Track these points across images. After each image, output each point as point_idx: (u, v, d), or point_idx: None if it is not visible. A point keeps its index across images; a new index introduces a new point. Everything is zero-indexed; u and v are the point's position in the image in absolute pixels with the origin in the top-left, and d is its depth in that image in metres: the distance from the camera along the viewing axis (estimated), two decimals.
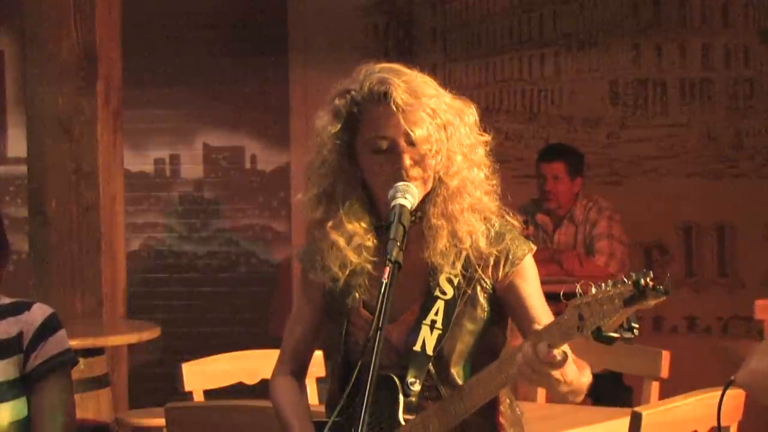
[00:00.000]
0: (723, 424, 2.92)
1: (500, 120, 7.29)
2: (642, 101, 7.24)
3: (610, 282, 2.32)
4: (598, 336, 2.32)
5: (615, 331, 2.32)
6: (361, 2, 7.64)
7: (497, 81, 7.51)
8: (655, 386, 4.17)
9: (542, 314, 2.70)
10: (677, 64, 7.17)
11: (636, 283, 2.26)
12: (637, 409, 3.18)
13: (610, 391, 5.58)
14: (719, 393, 2.66)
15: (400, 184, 2.63)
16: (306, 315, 2.88)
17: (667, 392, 3.78)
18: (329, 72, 7.35)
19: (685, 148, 7.17)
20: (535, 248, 2.78)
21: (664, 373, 4.14)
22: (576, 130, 7.31)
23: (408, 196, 2.61)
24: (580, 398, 2.68)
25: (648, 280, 2.26)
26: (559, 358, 2.44)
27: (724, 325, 7.09)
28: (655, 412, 3.20)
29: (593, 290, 2.34)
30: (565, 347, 2.46)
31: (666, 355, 4.14)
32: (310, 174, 2.75)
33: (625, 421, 3.19)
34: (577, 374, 2.57)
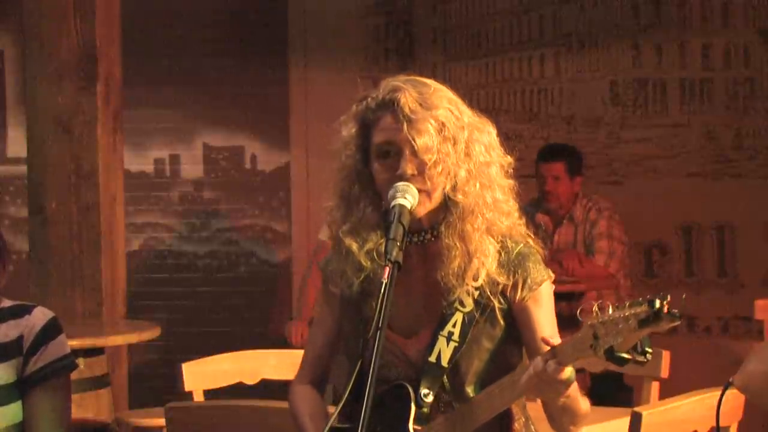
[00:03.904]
0: (723, 424, 2.92)
1: (500, 120, 7.28)
2: (642, 101, 7.24)
3: (626, 302, 2.33)
4: (611, 356, 2.34)
5: (628, 353, 2.33)
6: (361, 2, 7.64)
7: (497, 81, 7.51)
8: (655, 386, 4.17)
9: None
10: (677, 64, 7.17)
11: (651, 305, 2.27)
12: (637, 409, 3.19)
13: (610, 391, 5.59)
14: (719, 393, 2.67)
15: (399, 184, 2.62)
16: (327, 324, 2.88)
17: (667, 392, 3.78)
18: (329, 72, 7.36)
19: (685, 148, 7.16)
20: (554, 276, 2.77)
21: (664, 373, 4.14)
22: (576, 130, 7.31)
23: (408, 196, 2.61)
24: (575, 425, 2.68)
25: (664, 303, 2.27)
26: (566, 376, 2.46)
27: (724, 325, 7.09)
28: (655, 412, 3.21)
29: (610, 309, 2.34)
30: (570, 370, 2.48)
31: (666, 355, 4.14)
32: (333, 177, 2.77)
33: (625, 421, 3.19)
34: (577, 394, 2.59)
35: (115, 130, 6.24)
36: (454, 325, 2.69)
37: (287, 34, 7.72)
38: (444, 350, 2.69)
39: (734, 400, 3.33)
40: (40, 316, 2.98)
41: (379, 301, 2.47)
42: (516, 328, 2.73)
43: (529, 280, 2.71)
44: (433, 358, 2.69)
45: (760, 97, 7.03)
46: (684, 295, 2.35)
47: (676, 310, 2.27)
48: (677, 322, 2.28)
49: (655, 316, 2.27)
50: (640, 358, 2.34)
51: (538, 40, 7.42)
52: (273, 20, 7.72)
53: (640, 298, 2.30)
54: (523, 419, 2.79)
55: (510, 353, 2.76)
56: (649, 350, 2.34)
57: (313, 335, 2.93)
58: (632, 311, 2.30)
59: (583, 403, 2.65)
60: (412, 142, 2.62)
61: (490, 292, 2.69)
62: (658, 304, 2.26)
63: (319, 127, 6.99)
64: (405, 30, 7.64)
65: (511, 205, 2.75)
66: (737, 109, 7.08)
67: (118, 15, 6.29)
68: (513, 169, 2.78)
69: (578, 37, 7.33)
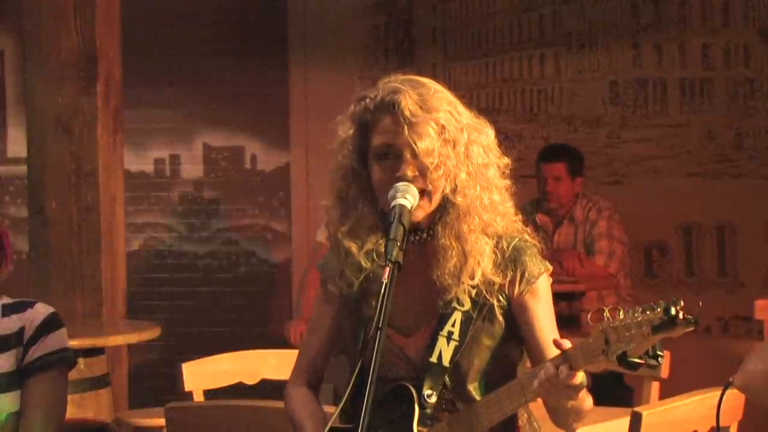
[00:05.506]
0: (723, 424, 2.93)
1: (500, 120, 7.29)
2: (642, 101, 7.24)
3: (638, 307, 2.31)
4: (623, 361, 2.32)
5: (640, 358, 2.31)
6: (361, 2, 7.64)
7: (497, 81, 7.51)
8: (655, 386, 4.17)
9: (549, 338, 2.66)
10: (677, 64, 7.17)
11: (666, 311, 2.25)
12: (637, 409, 3.19)
13: (611, 391, 5.59)
14: (719, 393, 2.67)
15: (400, 184, 2.62)
16: (323, 325, 2.87)
17: (667, 392, 3.78)
18: (329, 72, 7.36)
19: (685, 148, 7.16)
20: (551, 268, 2.77)
21: (664, 373, 4.14)
22: (576, 130, 7.31)
23: (408, 196, 2.60)
24: (578, 421, 2.68)
25: (678, 308, 2.25)
26: (578, 381, 2.46)
27: (724, 325, 7.09)
28: (655, 412, 3.21)
29: (621, 314, 2.33)
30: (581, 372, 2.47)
31: (666, 355, 4.13)
32: (330, 178, 2.76)
33: (625, 421, 3.19)
34: (584, 395, 2.60)
35: (115, 130, 6.24)
36: (453, 325, 2.69)
37: (287, 34, 7.72)
38: (445, 350, 2.68)
39: (734, 400, 3.33)
40: (42, 310, 3.06)
41: (380, 301, 2.47)
42: (516, 324, 2.73)
43: (526, 274, 2.71)
44: (434, 359, 2.68)
45: (760, 97, 7.03)
46: (700, 303, 2.33)
47: (691, 316, 2.25)
48: (692, 328, 2.26)
49: (670, 322, 2.25)
50: (652, 362, 2.33)
51: (538, 40, 7.42)
52: (273, 20, 7.72)
53: (653, 303, 2.28)
54: (527, 415, 2.79)
55: (510, 350, 2.75)
56: (661, 354, 2.33)
57: (308, 337, 2.91)
58: (645, 317, 2.28)
59: (588, 402, 2.65)
60: (414, 145, 2.62)
61: (487, 291, 2.69)
62: (673, 311, 2.24)
63: (319, 127, 6.99)
64: (405, 30, 7.64)
65: (507, 206, 2.75)
66: (737, 109, 7.08)
67: (118, 15, 6.29)
68: (512, 169, 2.78)
69: (578, 37, 7.33)
